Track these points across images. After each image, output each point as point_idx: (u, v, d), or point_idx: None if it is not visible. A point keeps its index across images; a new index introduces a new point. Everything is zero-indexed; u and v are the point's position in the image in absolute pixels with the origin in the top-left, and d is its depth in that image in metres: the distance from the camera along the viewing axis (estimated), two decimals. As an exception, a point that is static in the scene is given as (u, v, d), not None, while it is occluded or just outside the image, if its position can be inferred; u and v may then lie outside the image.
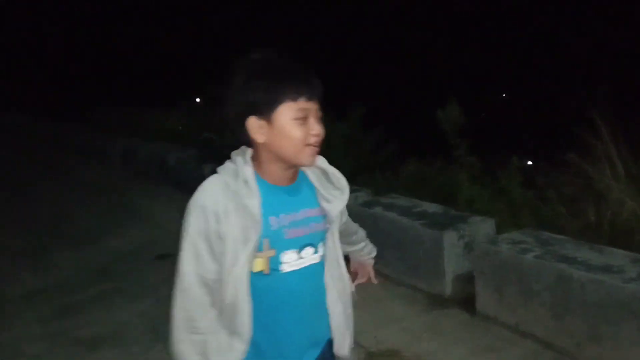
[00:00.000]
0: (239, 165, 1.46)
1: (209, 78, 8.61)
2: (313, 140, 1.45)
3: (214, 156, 6.34)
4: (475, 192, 4.23)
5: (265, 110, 1.42)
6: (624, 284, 2.82)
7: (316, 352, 1.61)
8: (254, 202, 1.44)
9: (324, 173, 1.60)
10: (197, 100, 9.12)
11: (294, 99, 1.41)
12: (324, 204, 1.57)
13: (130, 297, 4.21)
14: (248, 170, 1.46)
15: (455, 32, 16.60)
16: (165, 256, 4.82)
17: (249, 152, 1.50)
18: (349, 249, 1.91)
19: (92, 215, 6.50)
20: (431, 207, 4.22)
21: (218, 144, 6.22)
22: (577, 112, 3.82)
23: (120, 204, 6.88)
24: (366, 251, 1.97)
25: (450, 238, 3.71)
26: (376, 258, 4.46)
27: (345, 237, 1.80)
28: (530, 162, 4.59)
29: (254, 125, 1.44)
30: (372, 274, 1.99)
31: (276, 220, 1.49)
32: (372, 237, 4.41)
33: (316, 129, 1.45)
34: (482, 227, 3.82)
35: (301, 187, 1.57)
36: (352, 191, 3.73)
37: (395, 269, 4.06)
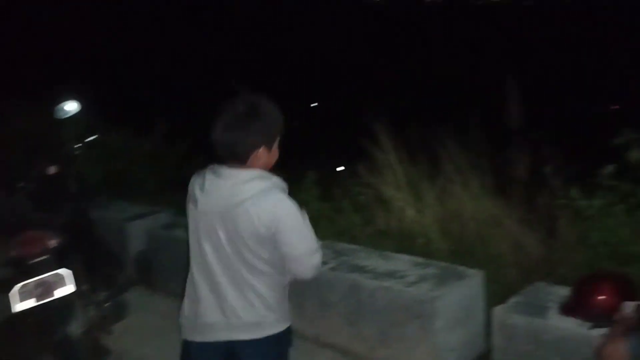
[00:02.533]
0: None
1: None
2: None
3: None
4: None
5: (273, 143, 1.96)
6: (406, 287, 3.05)
7: None
8: None
9: None
10: None
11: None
12: None
13: None
14: None
15: (260, 42, 16.93)
16: None
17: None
18: None
19: None
20: (234, 224, 4.18)
21: None
22: (364, 125, 4.05)
23: None
24: None
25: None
26: (180, 281, 4.28)
27: None
28: (342, 168, 4.72)
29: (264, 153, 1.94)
30: None
31: None
32: (173, 261, 4.25)
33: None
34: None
35: None
36: (152, 212, 3.70)
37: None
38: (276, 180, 1.95)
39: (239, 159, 1.89)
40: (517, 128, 4.00)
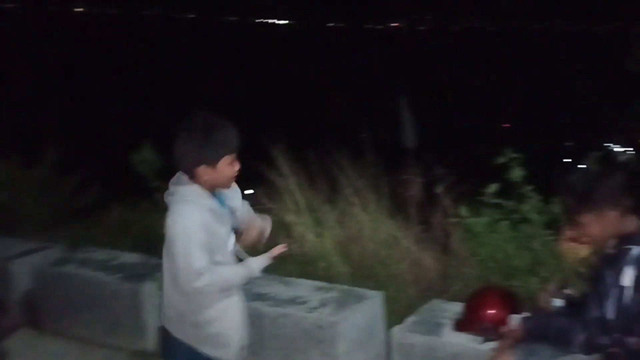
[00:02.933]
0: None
1: None
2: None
3: None
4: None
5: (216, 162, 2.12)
6: (308, 313, 3.04)
7: None
8: None
9: None
10: None
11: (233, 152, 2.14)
12: None
13: None
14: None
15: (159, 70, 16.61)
16: None
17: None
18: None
19: None
20: (131, 258, 4.01)
21: None
22: (261, 149, 4.03)
23: None
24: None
25: (150, 289, 3.57)
26: (72, 321, 4.05)
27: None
28: (251, 191, 4.66)
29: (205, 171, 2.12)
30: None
31: None
32: (65, 300, 4.00)
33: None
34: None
35: None
36: (40, 248, 4.05)
37: (94, 330, 3.74)
38: (204, 199, 2.14)
39: (185, 171, 2.15)
40: (411, 148, 4.16)
